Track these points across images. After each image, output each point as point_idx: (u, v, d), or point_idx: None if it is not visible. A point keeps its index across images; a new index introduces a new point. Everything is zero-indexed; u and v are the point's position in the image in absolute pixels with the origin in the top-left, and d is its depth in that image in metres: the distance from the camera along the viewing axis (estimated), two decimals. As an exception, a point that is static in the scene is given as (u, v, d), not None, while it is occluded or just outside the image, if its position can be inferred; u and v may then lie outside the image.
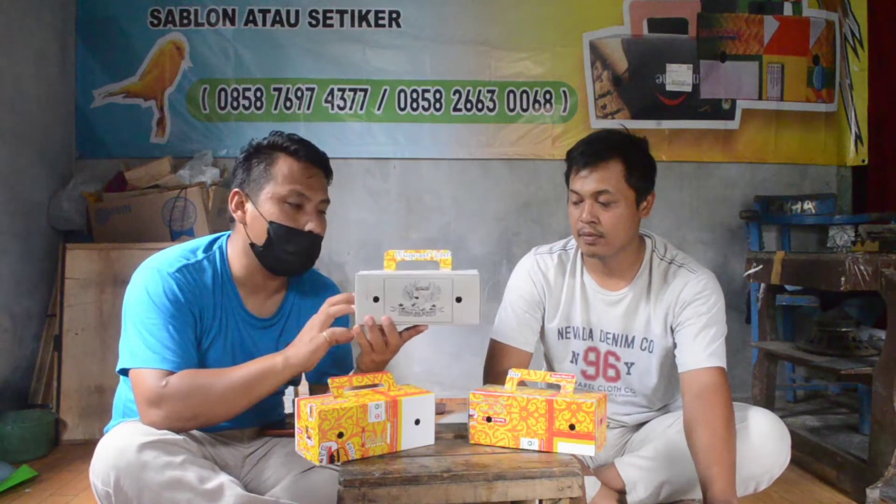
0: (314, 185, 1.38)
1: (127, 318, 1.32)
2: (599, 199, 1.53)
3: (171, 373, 1.26)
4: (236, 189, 1.40)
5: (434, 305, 1.20)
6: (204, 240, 1.46)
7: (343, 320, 1.31)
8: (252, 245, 1.38)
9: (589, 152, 1.54)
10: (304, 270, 1.44)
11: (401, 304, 1.21)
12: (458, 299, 1.20)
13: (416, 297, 1.20)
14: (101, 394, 2.58)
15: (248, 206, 1.38)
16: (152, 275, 1.33)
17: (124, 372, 1.31)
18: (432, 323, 1.22)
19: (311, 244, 1.39)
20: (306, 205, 1.38)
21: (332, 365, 1.45)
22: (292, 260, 1.38)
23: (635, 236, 1.62)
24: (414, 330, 1.25)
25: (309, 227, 1.37)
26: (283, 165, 1.37)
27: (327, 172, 1.43)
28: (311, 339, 1.26)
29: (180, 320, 1.30)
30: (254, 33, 3.23)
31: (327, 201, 1.42)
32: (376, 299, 1.21)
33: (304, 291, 1.51)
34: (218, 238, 1.46)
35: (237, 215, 1.40)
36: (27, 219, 2.79)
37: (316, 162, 1.40)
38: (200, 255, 1.40)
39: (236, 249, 1.42)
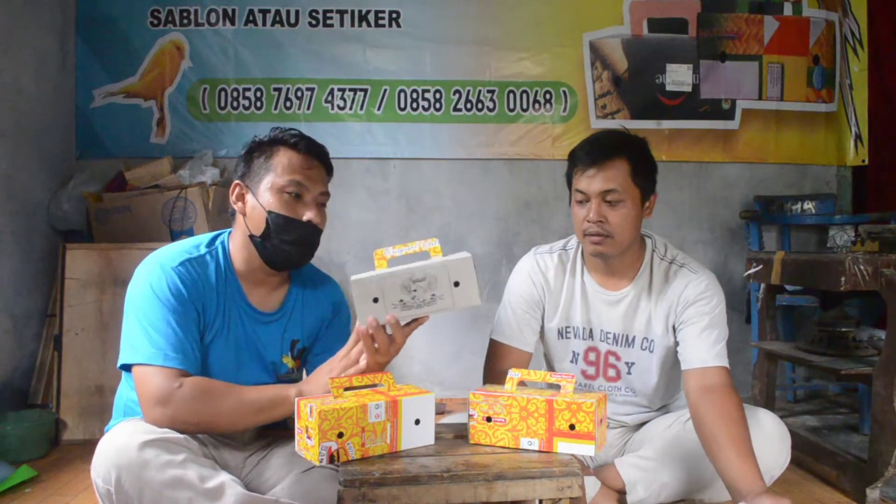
0: (313, 177, 1.39)
1: (130, 313, 1.32)
2: (607, 199, 1.53)
3: (183, 372, 1.26)
4: (237, 181, 1.42)
5: (433, 294, 1.20)
6: (206, 236, 1.46)
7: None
8: (251, 236, 1.38)
9: (594, 151, 1.54)
10: (303, 262, 1.44)
11: (401, 300, 1.21)
12: (456, 284, 1.20)
13: (415, 290, 1.20)
14: (101, 394, 2.58)
15: (249, 197, 1.39)
16: (155, 269, 1.33)
17: (126, 367, 1.31)
18: (435, 312, 1.22)
19: (310, 235, 1.38)
20: (305, 195, 1.38)
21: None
22: (291, 250, 1.38)
23: (638, 236, 1.62)
24: (416, 322, 1.25)
25: (307, 216, 1.37)
26: (283, 157, 1.38)
27: (328, 167, 1.44)
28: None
29: (184, 316, 1.31)
30: (254, 33, 3.22)
31: (327, 194, 1.42)
32: (376, 300, 1.21)
33: (306, 285, 1.51)
34: (220, 234, 1.47)
35: (237, 207, 1.41)
36: (27, 219, 2.78)
37: (316, 155, 1.41)
38: (203, 250, 1.41)
39: (237, 243, 1.42)
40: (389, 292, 1.21)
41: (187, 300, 1.32)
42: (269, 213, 1.36)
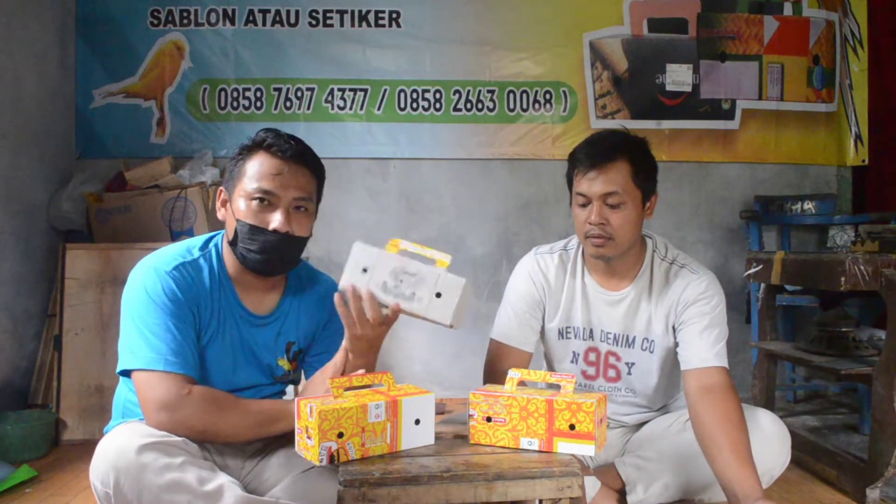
0: (286, 182, 1.34)
1: (127, 319, 1.31)
2: (608, 201, 1.52)
3: (189, 379, 1.26)
4: (221, 187, 1.41)
5: (414, 293, 1.22)
6: (199, 238, 1.45)
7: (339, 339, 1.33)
8: (230, 243, 1.38)
9: (595, 153, 1.53)
10: (275, 271, 1.41)
11: (385, 282, 1.23)
12: (438, 295, 1.21)
13: (401, 280, 1.22)
14: (101, 394, 2.58)
15: (229, 203, 1.38)
16: (150, 274, 1.32)
17: (125, 373, 1.31)
18: (408, 310, 1.22)
19: (278, 243, 1.34)
20: (276, 202, 1.34)
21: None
22: (259, 259, 1.34)
23: (639, 237, 1.62)
24: (392, 315, 1.23)
25: (273, 225, 1.33)
26: (255, 162, 1.35)
27: (313, 169, 1.39)
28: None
29: (181, 319, 1.30)
30: (254, 33, 3.22)
31: (306, 199, 1.37)
32: (365, 270, 1.24)
33: (302, 287, 1.50)
34: (214, 236, 1.45)
35: (220, 213, 1.40)
36: (27, 219, 2.78)
37: (290, 158, 1.35)
38: (196, 254, 1.40)
39: (227, 248, 1.41)
40: (380, 270, 1.23)
41: (183, 304, 1.31)
42: (238, 220, 1.34)
